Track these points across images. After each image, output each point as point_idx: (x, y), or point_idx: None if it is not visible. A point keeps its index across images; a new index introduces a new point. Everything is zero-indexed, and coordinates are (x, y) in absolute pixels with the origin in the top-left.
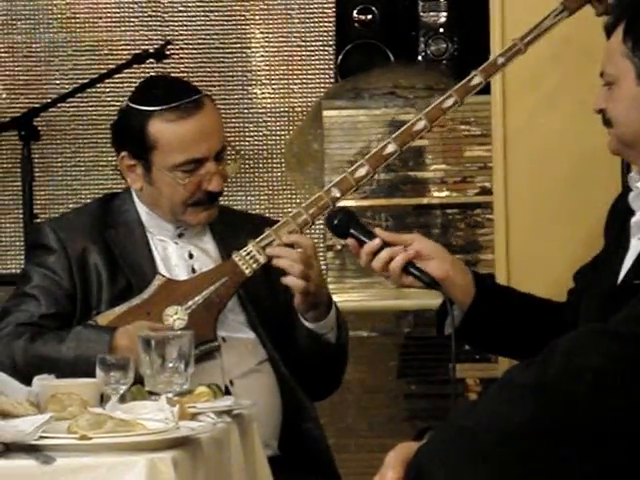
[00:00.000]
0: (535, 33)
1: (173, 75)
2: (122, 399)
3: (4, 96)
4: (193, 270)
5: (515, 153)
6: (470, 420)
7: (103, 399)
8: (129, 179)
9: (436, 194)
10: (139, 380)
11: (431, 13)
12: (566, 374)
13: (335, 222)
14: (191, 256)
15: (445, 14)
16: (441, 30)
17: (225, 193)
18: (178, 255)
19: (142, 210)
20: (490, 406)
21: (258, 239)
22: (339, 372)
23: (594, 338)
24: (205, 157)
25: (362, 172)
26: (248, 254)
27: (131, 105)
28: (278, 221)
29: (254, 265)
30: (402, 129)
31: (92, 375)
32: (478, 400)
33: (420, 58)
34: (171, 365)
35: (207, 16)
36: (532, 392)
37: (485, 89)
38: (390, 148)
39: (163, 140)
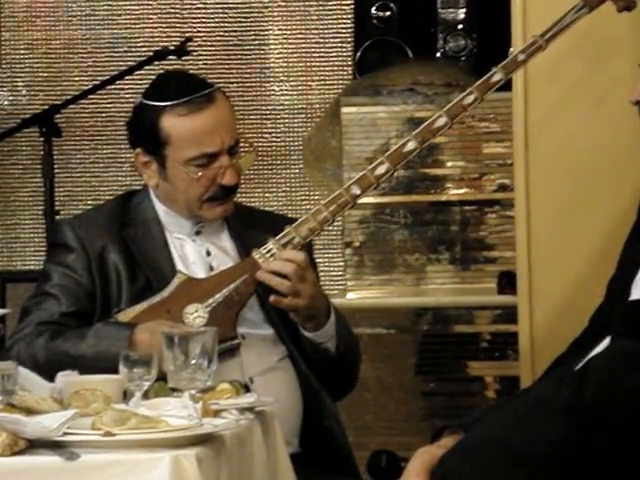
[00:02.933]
0: (555, 29)
1: (191, 72)
2: (145, 396)
3: (24, 92)
4: (211, 268)
5: (536, 149)
6: (499, 433)
7: (126, 395)
8: (145, 175)
9: (454, 191)
10: (162, 377)
11: (450, 9)
12: (602, 395)
13: (383, 465)
14: (209, 253)
15: (464, 10)
16: (460, 26)
17: (243, 190)
18: (196, 253)
19: (160, 208)
20: (523, 422)
21: (278, 237)
22: (346, 377)
23: (629, 357)
24: (218, 151)
25: (382, 169)
26: (268, 252)
27: (144, 101)
28: (295, 219)
29: None
30: (422, 126)
31: (113, 371)
32: (506, 411)
33: (439, 55)
34: (194, 362)
35: (225, 13)
36: (569, 412)
37: (505, 86)
38: (410, 145)
39: (175, 135)
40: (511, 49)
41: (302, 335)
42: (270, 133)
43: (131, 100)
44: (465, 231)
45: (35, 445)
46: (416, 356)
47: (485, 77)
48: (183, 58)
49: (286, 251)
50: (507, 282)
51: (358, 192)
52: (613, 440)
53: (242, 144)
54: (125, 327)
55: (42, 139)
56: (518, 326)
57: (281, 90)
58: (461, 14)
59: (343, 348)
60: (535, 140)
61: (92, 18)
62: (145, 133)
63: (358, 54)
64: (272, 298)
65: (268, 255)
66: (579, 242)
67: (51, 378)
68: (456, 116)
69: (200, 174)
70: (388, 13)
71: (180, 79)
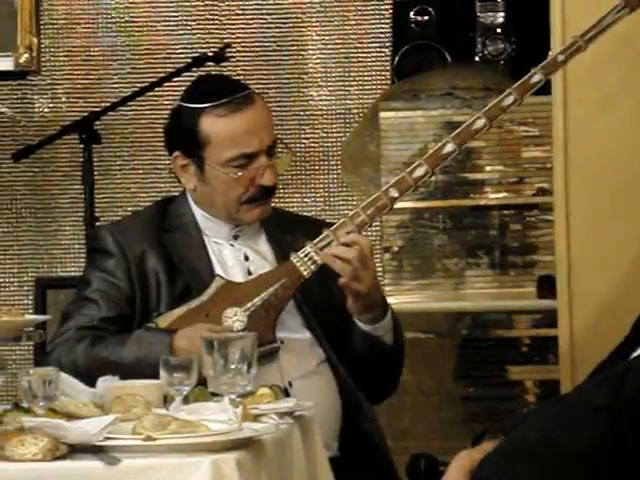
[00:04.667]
0: (596, 30)
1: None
2: (185, 400)
3: (63, 99)
4: (249, 272)
5: (575, 153)
6: (538, 435)
7: (166, 400)
8: (183, 179)
9: (493, 195)
10: (202, 381)
11: (488, 13)
12: None
13: (422, 468)
14: (247, 258)
15: (502, 14)
16: (498, 30)
17: (281, 195)
18: (234, 257)
19: (198, 213)
20: (562, 423)
21: (316, 240)
22: (396, 374)
23: None
24: (257, 151)
25: (421, 172)
26: (306, 255)
27: (182, 104)
28: (331, 223)
29: (312, 266)
30: (461, 128)
31: (153, 377)
32: (544, 413)
33: (477, 59)
34: (234, 366)
35: (264, 19)
36: (607, 411)
37: (544, 89)
38: (449, 147)
39: (215, 136)
40: (550, 52)
41: (358, 329)
42: (308, 138)
43: (170, 107)
44: (504, 235)
45: (76, 450)
46: (455, 360)
47: (524, 78)
48: (222, 64)
49: (351, 234)
50: (547, 286)
51: (396, 195)
52: None
53: (278, 147)
54: (165, 333)
55: (82, 146)
56: (558, 330)
57: (319, 95)
58: (500, 18)
59: (400, 341)
60: (574, 143)
61: (131, 25)
62: (184, 135)
63: (396, 59)
64: (341, 281)
65: (306, 259)
66: (619, 245)
67: (92, 384)
68: (495, 118)
69: (239, 174)
70: (427, 17)
71: (218, 81)
